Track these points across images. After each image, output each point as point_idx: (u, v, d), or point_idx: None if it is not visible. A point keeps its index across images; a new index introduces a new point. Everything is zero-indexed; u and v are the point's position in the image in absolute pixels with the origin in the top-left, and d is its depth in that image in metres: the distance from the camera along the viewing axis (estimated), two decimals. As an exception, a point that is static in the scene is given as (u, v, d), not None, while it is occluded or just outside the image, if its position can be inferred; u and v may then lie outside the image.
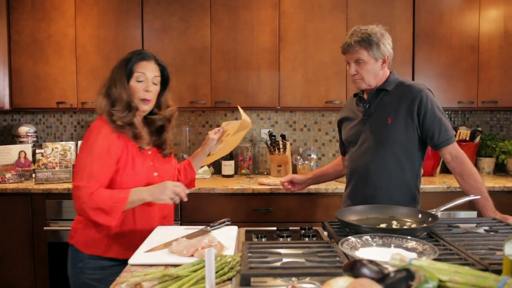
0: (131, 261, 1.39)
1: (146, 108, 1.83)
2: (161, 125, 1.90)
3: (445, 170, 3.52)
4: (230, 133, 2.03)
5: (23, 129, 3.46)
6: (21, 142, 3.43)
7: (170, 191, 1.69)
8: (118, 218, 1.67)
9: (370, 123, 2.05)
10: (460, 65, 3.28)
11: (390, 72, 2.09)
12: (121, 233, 1.77)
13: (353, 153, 2.12)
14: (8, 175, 3.12)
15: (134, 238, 1.76)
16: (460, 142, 3.40)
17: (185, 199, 1.76)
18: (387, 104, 2.03)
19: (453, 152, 2.01)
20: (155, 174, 1.85)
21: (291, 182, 2.37)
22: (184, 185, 1.81)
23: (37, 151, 3.14)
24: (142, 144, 1.82)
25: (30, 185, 3.04)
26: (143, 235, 1.71)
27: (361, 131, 2.08)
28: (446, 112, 3.69)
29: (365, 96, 2.10)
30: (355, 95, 2.18)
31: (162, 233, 1.69)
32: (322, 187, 2.92)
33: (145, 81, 1.80)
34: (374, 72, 2.01)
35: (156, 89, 1.84)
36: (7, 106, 3.29)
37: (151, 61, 1.83)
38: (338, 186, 2.94)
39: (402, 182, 2.05)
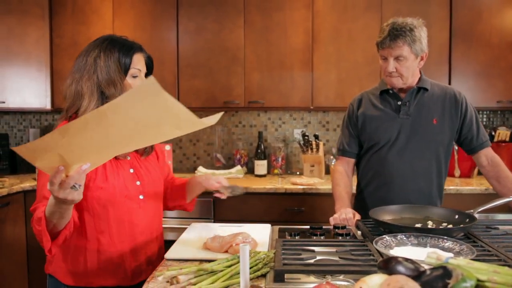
0: (167, 255, 1.43)
1: None
2: None
3: (484, 171, 3.43)
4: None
5: (63, 129, 3.59)
6: (61, 142, 3.55)
7: (54, 185, 1.15)
8: (49, 241, 1.32)
9: (412, 123, 1.95)
10: (499, 63, 3.18)
11: (419, 70, 2.00)
12: (102, 258, 1.50)
13: (387, 154, 1.97)
14: (49, 173, 3.23)
15: (117, 263, 1.51)
16: (499, 143, 3.30)
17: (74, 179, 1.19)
18: (429, 104, 1.96)
19: (489, 155, 1.98)
20: (138, 183, 1.55)
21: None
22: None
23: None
24: None
25: (69, 183, 3.14)
26: (125, 258, 1.52)
27: (400, 131, 1.95)
28: (485, 112, 3.59)
29: (401, 94, 1.99)
30: (382, 92, 2.02)
31: (197, 230, 1.72)
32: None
33: (139, 77, 1.55)
34: (413, 70, 1.91)
35: None
36: (48, 106, 3.42)
37: (142, 53, 1.57)
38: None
39: (438, 186, 2.02)
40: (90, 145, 1.09)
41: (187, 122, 1.07)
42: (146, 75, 1.61)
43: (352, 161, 2.13)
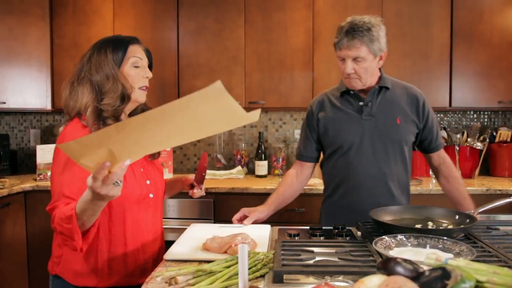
0: (166, 256, 1.42)
1: (144, 98, 1.58)
2: None
3: (485, 172, 3.42)
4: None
5: (64, 129, 3.59)
6: (62, 142, 3.55)
7: (97, 181, 1.12)
8: (80, 239, 1.28)
9: (375, 124, 1.89)
10: (500, 63, 3.17)
11: (379, 68, 1.94)
12: (112, 258, 1.50)
13: (353, 158, 1.91)
14: (49, 173, 3.23)
15: (128, 262, 1.53)
16: (500, 143, 3.30)
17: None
18: (392, 103, 1.91)
19: (442, 155, 2.02)
20: (148, 182, 1.59)
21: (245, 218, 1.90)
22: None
23: (77, 150, 3.24)
24: None
25: (70, 183, 3.14)
26: (137, 256, 1.54)
27: (363, 133, 1.90)
28: (486, 112, 3.58)
29: (362, 95, 1.93)
30: (343, 93, 1.96)
31: (197, 230, 1.72)
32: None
33: (142, 67, 1.55)
34: (372, 70, 1.84)
35: None
36: (49, 107, 3.42)
37: (139, 44, 1.58)
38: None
39: (406, 186, 1.99)
40: (142, 141, 1.08)
41: (238, 118, 1.05)
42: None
43: (308, 165, 2.09)
